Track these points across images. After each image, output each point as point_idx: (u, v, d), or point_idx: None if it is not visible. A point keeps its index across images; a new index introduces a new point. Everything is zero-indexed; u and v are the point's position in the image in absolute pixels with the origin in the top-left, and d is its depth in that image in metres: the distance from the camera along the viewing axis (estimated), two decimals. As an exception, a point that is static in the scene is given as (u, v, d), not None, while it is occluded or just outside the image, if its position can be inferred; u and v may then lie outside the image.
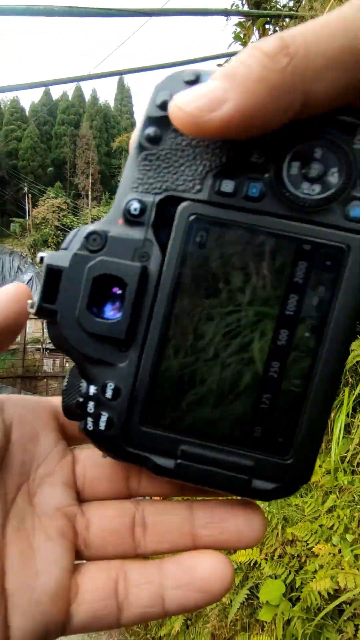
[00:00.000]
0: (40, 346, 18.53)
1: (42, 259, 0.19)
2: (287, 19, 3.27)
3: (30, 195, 43.00)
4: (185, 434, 0.20)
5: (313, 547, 1.38)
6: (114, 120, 55.69)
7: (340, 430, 1.51)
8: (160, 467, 0.20)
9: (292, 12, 3.11)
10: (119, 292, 0.19)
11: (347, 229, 0.18)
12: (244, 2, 3.54)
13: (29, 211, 42.34)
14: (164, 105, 0.18)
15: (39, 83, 3.74)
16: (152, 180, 0.19)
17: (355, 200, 0.18)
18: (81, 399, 0.20)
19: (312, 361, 0.19)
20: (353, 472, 1.50)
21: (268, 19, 3.31)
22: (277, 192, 0.18)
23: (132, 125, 57.22)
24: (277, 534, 1.56)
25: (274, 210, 0.18)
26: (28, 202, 42.54)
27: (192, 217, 0.18)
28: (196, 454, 0.20)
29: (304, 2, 3.20)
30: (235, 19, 3.40)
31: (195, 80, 0.18)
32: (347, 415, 1.54)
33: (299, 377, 0.19)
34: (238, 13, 3.13)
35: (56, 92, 53.80)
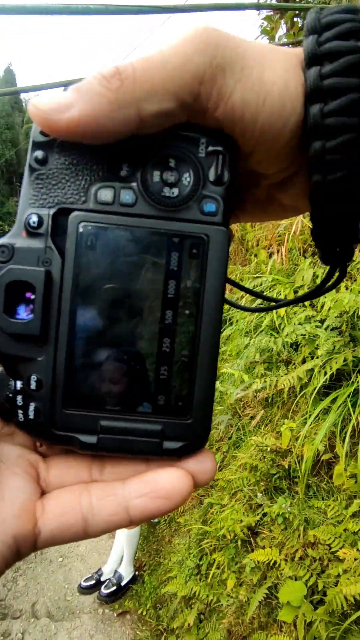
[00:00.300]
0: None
1: None
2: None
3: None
4: (102, 411, 0.22)
5: (337, 551, 1.37)
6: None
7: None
8: (85, 443, 0.22)
9: (323, 4, 3.03)
10: (32, 296, 0.22)
11: (204, 221, 0.22)
12: (272, -6, 3.47)
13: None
14: (45, 132, 0.21)
15: (61, 83, 3.76)
16: (45, 195, 0.22)
17: (206, 198, 0.22)
18: (10, 395, 0.22)
19: (195, 333, 0.22)
20: (379, 477, 1.48)
21: (296, 12, 3.24)
22: (145, 197, 0.22)
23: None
24: (299, 535, 1.55)
25: (146, 212, 0.22)
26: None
27: (81, 225, 0.22)
28: (114, 427, 0.22)
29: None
30: (251, 13, 3.33)
31: None
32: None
33: (186, 348, 0.22)
34: (270, 7, 3.06)
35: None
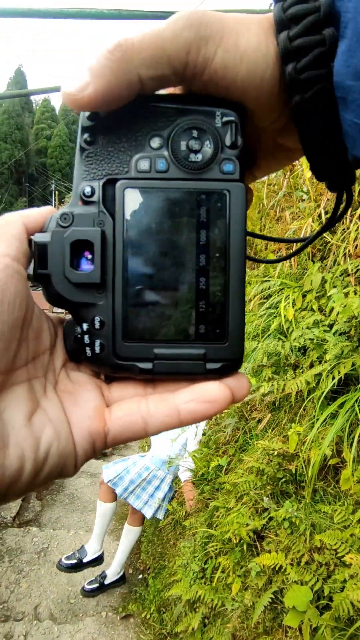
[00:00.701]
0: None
1: (30, 240, 0.26)
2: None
3: (57, 192, 43.84)
4: (155, 341, 0.27)
5: (343, 556, 1.36)
6: (141, 120, 56.09)
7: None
8: (143, 369, 0.27)
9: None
10: (89, 256, 0.26)
11: (224, 179, 0.26)
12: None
13: (55, 207, 43.17)
14: (90, 117, 0.26)
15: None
16: (95, 170, 0.27)
17: (225, 160, 0.26)
18: (79, 336, 0.26)
19: (225, 272, 0.26)
20: (387, 482, 1.46)
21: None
22: (175, 163, 0.26)
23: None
24: (305, 540, 1.54)
25: (177, 176, 0.26)
26: (55, 199, 43.37)
27: (126, 190, 0.26)
28: (165, 354, 0.27)
29: None
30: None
31: None
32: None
33: (219, 284, 0.26)
34: None
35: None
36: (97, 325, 0.26)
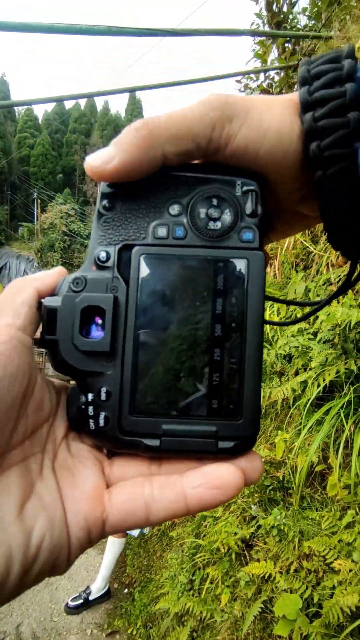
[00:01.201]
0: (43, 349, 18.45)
1: (39, 303, 0.25)
2: (306, 39, 3.34)
3: (39, 200, 43.42)
4: (164, 416, 0.25)
5: (332, 562, 1.37)
6: (125, 131, 56.45)
7: (360, 444, 1.50)
8: (149, 446, 0.25)
9: (313, 32, 3.18)
10: (100, 321, 0.25)
11: (243, 247, 0.26)
12: (265, 21, 3.63)
13: (37, 216, 42.71)
14: (111, 184, 0.27)
15: (53, 98, 3.82)
16: (112, 235, 0.26)
17: (244, 228, 0.26)
18: (83, 407, 0.25)
19: (241, 342, 0.25)
20: (373, 487, 1.49)
21: (287, 38, 3.39)
22: (194, 230, 0.26)
23: (142, 135, 57.93)
24: (294, 547, 1.55)
25: (195, 243, 0.26)
26: (37, 208, 42.95)
27: (142, 257, 0.26)
28: (174, 430, 0.25)
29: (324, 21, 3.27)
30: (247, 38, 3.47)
31: None
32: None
33: (234, 356, 0.25)
34: (264, 34, 3.19)
35: (69, 102, 54.71)
36: (103, 396, 0.25)
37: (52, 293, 0.26)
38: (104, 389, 0.25)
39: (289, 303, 0.39)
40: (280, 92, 3.71)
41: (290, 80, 3.48)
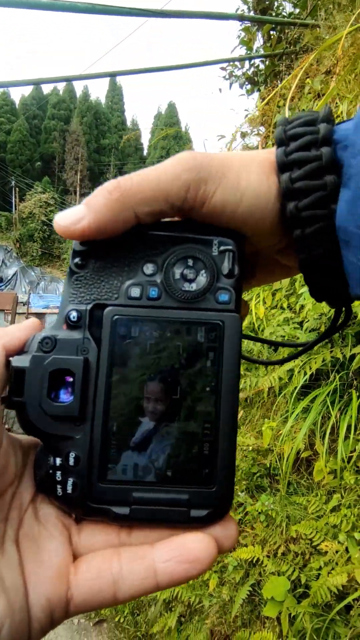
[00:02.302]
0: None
1: (8, 362, 0.24)
2: (292, 27, 3.32)
3: (17, 189, 42.17)
4: (133, 483, 0.24)
5: (318, 544, 1.41)
6: (105, 118, 55.14)
7: (346, 430, 1.54)
8: (118, 515, 0.24)
9: (296, 19, 3.16)
10: (70, 379, 0.24)
11: (219, 309, 0.25)
12: (250, 7, 3.58)
13: (15, 205, 41.52)
14: (84, 242, 0.26)
15: (30, 81, 3.68)
16: (83, 293, 0.26)
17: (220, 289, 0.25)
18: (50, 471, 0.24)
19: (216, 407, 0.25)
20: (358, 472, 1.53)
21: (273, 25, 3.36)
22: (168, 291, 0.25)
23: (122, 123, 56.88)
24: (281, 531, 1.58)
25: (169, 304, 0.25)
26: (15, 196, 41.72)
27: (114, 318, 0.25)
28: (145, 498, 0.24)
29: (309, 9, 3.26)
30: (232, 24, 3.42)
31: None
32: (352, 417, 1.57)
33: (208, 422, 0.25)
34: (252, 19, 3.15)
35: (47, 87, 53.03)
36: (71, 461, 0.24)
37: (22, 349, 0.25)
38: (72, 454, 0.24)
39: (268, 342, 0.40)
40: (265, 81, 3.68)
41: (276, 69, 3.46)
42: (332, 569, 1.25)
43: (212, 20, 2.47)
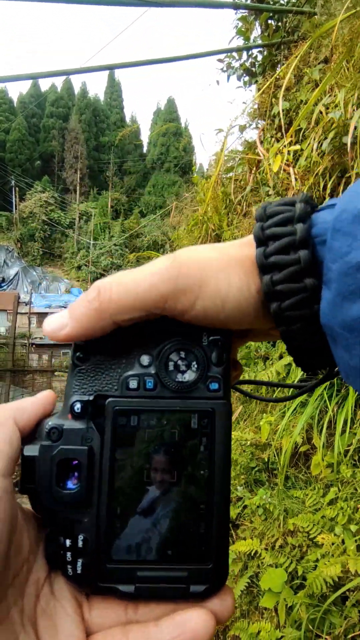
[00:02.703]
0: (26, 341, 18.26)
1: (22, 450, 0.27)
2: (289, 15, 3.28)
3: (17, 188, 42.14)
4: (138, 563, 0.26)
5: (315, 537, 1.41)
6: (104, 114, 54.83)
7: (343, 424, 1.54)
8: (124, 593, 0.26)
9: (294, 7, 3.12)
10: (76, 466, 0.27)
11: (210, 397, 0.27)
12: (245, -1, 3.53)
13: (15, 205, 41.49)
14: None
15: (28, 75, 3.64)
16: (86, 386, 0.28)
17: (211, 378, 0.28)
18: (61, 551, 0.26)
19: (209, 490, 0.27)
20: (354, 465, 1.53)
21: (271, 14, 3.32)
22: (163, 382, 0.27)
23: (122, 120, 56.55)
24: (279, 524, 1.59)
25: (165, 394, 0.27)
26: (15, 196, 41.69)
27: (115, 409, 0.27)
28: (148, 577, 0.26)
29: None
30: (229, 14, 3.38)
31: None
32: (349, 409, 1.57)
33: (203, 502, 0.27)
34: (247, 7, 3.11)
35: (45, 84, 52.75)
36: (80, 543, 0.26)
37: (34, 428, 0.28)
38: (81, 537, 0.26)
39: (263, 384, 0.41)
40: (263, 72, 3.65)
41: (274, 59, 3.43)
42: (328, 560, 1.25)
43: (206, 8, 2.44)
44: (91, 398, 0.27)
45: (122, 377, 0.28)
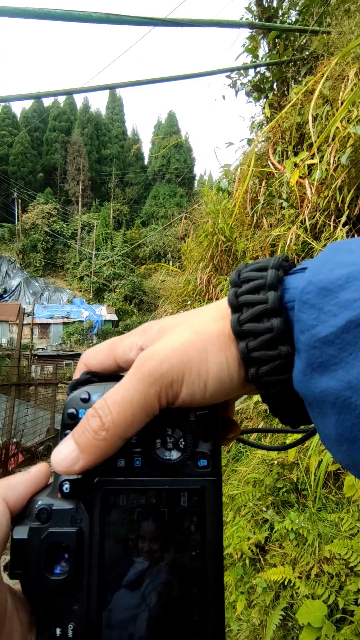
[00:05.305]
0: (28, 352, 18.19)
1: (12, 532, 0.26)
2: (298, 34, 3.31)
3: (19, 200, 42.53)
4: None
5: (355, 565, 1.34)
6: (105, 128, 55.75)
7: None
8: None
9: (306, 27, 3.15)
10: (65, 550, 0.26)
11: (200, 473, 0.27)
12: (255, 16, 3.58)
13: (18, 216, 41.83)
14: (71, 416, 0.28)
15: (31, 95, 3.67)
16: None
17: (199, 454, 0.27)
18: None
19: (203, 572, 0.26)
20: (393, 487, 1.46)
21: (278, 33, 3.35)
22: (152, 461, 0.27)
23: (123, 133, 57.41)
24: (313, 551, 1.51)
25: (153, 473, 0.27)
26: (17, 208, 42.07)
27: (103, 489, 0.27)
28: None
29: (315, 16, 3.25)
30: (231, 32, 3.42)
31: (87, 399, 0.28)
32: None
33: (196, 588, 0.25)
34: (264, 27, 3.14)
35: (48, 99, 53.69)
36: (70, 633, 0.25)
37: (24, 509, 0.27)
38: (71, 625, 0.25)
39: (273, 431, 0.43)
40: (271, 88, 3.67)
41: (283, 76, 3.46)
42: (375, 594, 1.18)
43: (223, 28, 2.46)
44: (79, 477, 0.27)
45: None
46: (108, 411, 0.26)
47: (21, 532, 0.26)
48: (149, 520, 0.26)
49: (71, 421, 0.28)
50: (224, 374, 0.26)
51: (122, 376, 0.28)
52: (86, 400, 0.28)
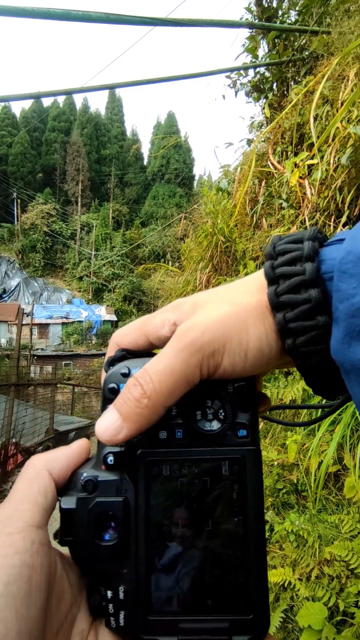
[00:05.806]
0: (27, 352, 18.17)
1: (60, 502, 0.27)
2: (297, 34, 3.30)
3: (19, 200, 42.49)
4: (179, 614, 0.26)
5: (356, 567, 1.33)
6: (105, 129, 55.70)
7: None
8: None
9: (306, 27, 3.15)
10: (113, 517, 0.27)
11: (240, 443, 0.27)
12: (255, 16, 3.58)
13: (17, 216, 41.80)
14: (113, 391, 0.28)
15: (31, 95, 3.66)
16: None
17: (239, 425, 0.28)
18: (103, 603, 0.27)
19: (245, 538, 0.26)
20: (394, 489, 1.46)
21: (278, 33, 3.35)
22: (192, 432, 0.28)
23: (123, 133, 57.40)
24: (313, 552, 1.51)
25: (195, 443, 0.28)
26: (17, 208, 42.03)
27: (146, 459, 0.27)
28: (190, 628, 0.26)
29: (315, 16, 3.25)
30: (230, 33, 3.41)
31: (128, 374, 0.28)
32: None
33: (240, 551, 0.26)
34: (263, 27, 3.13)
35: (47, 99, 53.67)
36: (121, 595, 0.26)
37: (69, 482, 0.27)
38: (121, 588, 0.26)
39: (297, 407, 0.46)
40: (271, 88, 3.67)
41: (283, 76, 3.45)
42: (376, 596, 1.17)
43: (223, 28, 2.45)
44: (123, 449, 0.28)
45: (152, 427, 0.27)
46: (149, 379, 0.26)
47: (69, 502, 0.27)
48: (192, 489, 0.27)
49: (112, 395, 0.28)
50: (264, 343, 0.27)
51: (155, 353, 0.28)
52: (127, 375, 0.28)
